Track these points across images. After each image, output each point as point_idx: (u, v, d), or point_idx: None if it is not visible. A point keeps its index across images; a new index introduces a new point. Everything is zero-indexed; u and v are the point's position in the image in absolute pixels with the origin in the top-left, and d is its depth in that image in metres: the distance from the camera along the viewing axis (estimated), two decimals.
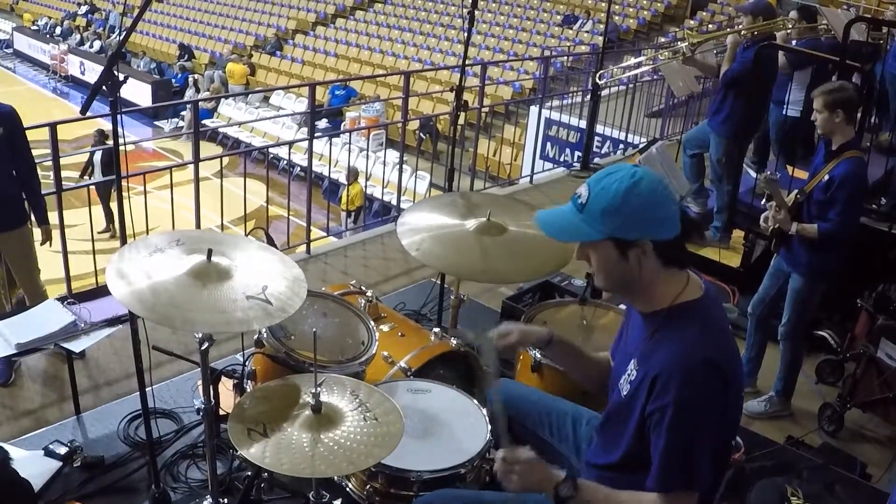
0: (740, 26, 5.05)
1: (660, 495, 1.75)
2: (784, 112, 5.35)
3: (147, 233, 4.57)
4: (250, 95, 16.46)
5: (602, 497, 1.85)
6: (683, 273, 1.83)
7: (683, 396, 1.67)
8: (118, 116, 2.21)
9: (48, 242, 4.14)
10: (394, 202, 7.29)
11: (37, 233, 4.06)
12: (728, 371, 1.72)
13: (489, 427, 2.42)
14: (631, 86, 9.08)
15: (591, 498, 1.84)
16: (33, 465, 2.84)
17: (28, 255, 4.01)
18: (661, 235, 1.75)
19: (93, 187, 5.30)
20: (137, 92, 16.67)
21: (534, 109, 10.19)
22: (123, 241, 2.36)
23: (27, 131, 3.90)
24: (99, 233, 4.69)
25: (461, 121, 3.69)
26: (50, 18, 23.88)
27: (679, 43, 5.43)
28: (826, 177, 3.40)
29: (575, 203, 1.80)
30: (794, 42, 5.29)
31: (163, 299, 2.10)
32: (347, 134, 10.58)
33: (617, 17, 16.22)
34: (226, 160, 7.64)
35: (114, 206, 2.41)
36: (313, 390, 2.11)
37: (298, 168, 9.54)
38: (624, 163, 1.83)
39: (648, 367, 1.76)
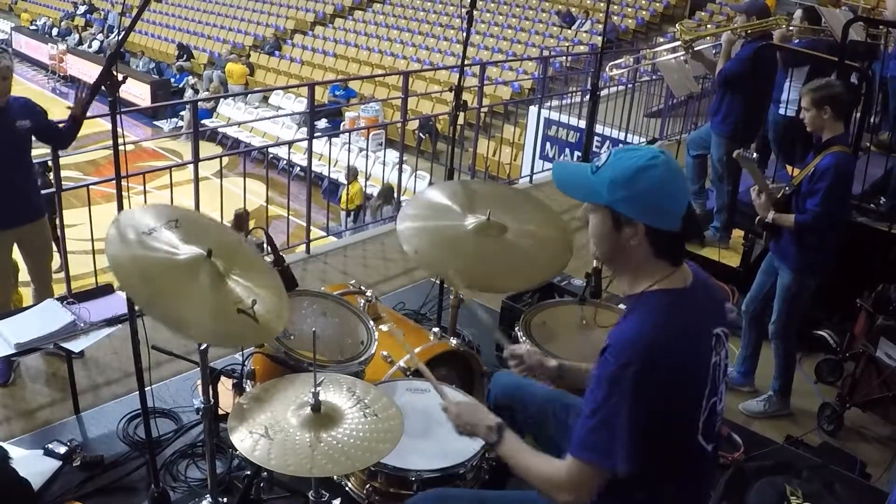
0: (734, 25, 5.06)
1: (570, 459, 1.76)
2: (782, 112, 5.35)
3: None
4: (249, 95, 16.46)
5: (519, 452, 1.90)
6: (674, 267, 1.83)
7: (616, 370, 1.69)
8: (117, 116, 2.21)
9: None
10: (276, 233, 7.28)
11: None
12: (670, 358, 1.70)
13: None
14: (630, 86, 9.09)
15: (510, 450, 1.91)
16: (33, 465, 2.85)
17: (47, 247, 4.06)
18: (657, 224, 1.76)
19: (93, 188, 5.31)
20: (136, 92, 16.68)
21: (533, 109, 10.19)
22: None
23: None
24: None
25: (460, 121, 3.69)
26: (48, 18, 23.88)
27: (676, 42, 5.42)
28: (812, 169, 3.42)
29: (592, 165, 1.83)
30: (794, 41, 5.30)
31: (161, 296, 2.09)
32: (347, 134, 10.58)
33: (616, 18, 16.24)
34: (225, 160, 7.65)
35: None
36: (312, 390, 2.12)
37: (298, 168, 9.54)
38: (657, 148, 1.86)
39: (605, 345, 1.79)
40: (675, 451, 1.78)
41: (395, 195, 8.33)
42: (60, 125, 3.92)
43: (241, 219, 7.26)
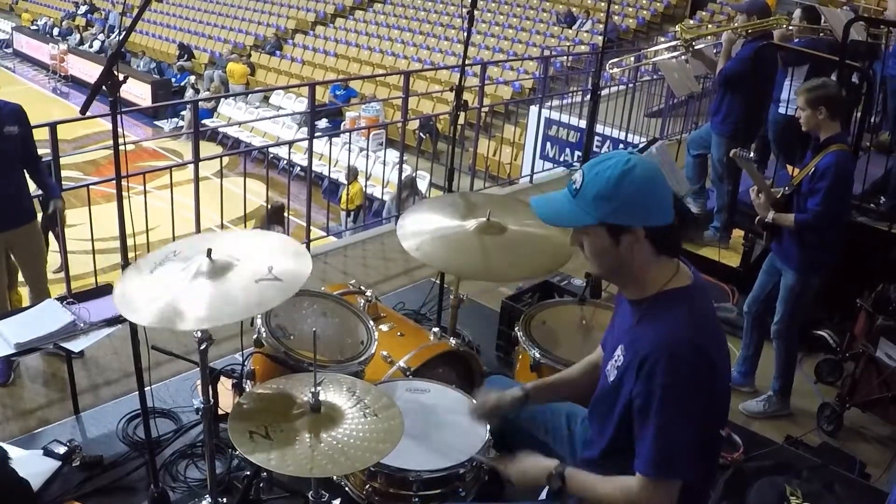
0: (735, 24, 5.06)
1: (644, 479, 1.74)
2: (782, 111, 5.34)
3: (147, 233, 4.57)
4: (250, 95, 16.47)
5: (588, 485, 1.87)
6: (674, 261, 1.84)
7: (670, 380, 1.68)
8: (118, 116, 2.21)
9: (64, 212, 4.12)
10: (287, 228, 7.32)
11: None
12: (714, 356, 1.73)
13: (488, 427, 2.42)
14: (631, 85, 9.08)
15: (578, 488, 1.88)
16: (32, 465, 2.85)
17: (39, 250, 4.04)
18: (653, 222, 1.76)
19: (93, 187, 5.33)
20: (137, 92, 16.69)
21: (533, 109, 10.18)
22: (124, 244, 2.37)
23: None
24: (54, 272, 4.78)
25: (461, 120, 3.69)
26: (49, 18, 23.89)
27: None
28: (812, 169, 3.42)
29: (570, 189, 1.82)
30: (794, 41, 5.29)
31: (178, 308, 2.10)
32: (347, 134, 10.58)
33: (616, 17, 16.24)
34: (226, 160, 7.66)
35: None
36: (312, 390, 2.12)
37: (298, 168, 9.54)
38: (622, 150, 1.89)
39: (635, 352, 1.77)
40: (706, 445, 1.79)
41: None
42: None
43: (279, 210, 7.38)
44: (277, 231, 7.61)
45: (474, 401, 2.33)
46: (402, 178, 8.46)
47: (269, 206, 6.58)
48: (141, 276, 2.25)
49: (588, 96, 4.55)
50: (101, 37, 21.25)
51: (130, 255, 2.41)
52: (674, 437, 1.70)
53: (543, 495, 2.17)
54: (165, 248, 2.40)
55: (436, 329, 3.15)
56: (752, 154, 3.71)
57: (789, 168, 5.15)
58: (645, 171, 1.74)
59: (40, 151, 4.09)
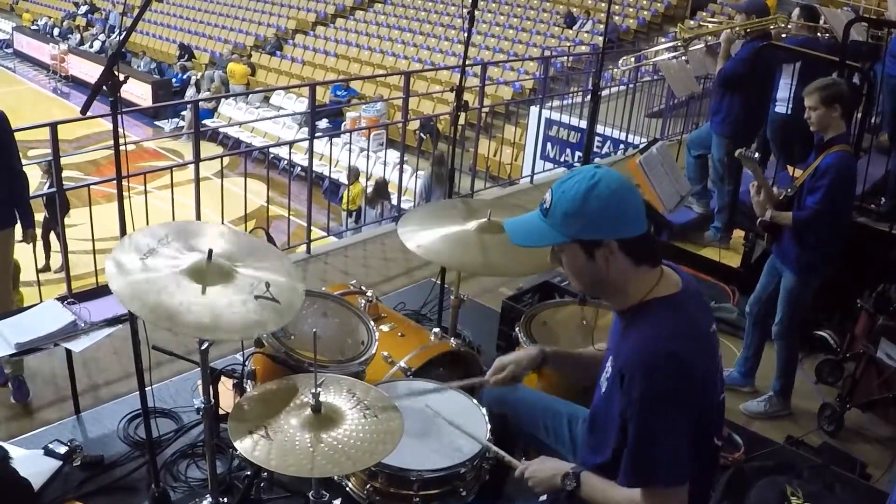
0: (734, 23, 5.05)
1: (642, 492, 1.75)
2: (779, 110, 5.33)
3: None
4: (250, 95, 16.48)
5: (599, 491, 1.88)
6: (657, 270, 1.83)
7: (646, 390, 1.69)
8: (118, 116, 2.21)
9: (33, 245, 4.05)
10: (394, 202, 7.30)
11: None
12: (694, 366, 1.72)
13: (488, 427, 2.41)
14: (631, 86, 9.09)
15: (591, 492, 1.89)
16: (33, 465, 2.85)
17: (3, 260, 3.90)
18: (625, 234, 1.76)
19: (94, 187, 5.33)
20: (138, 92, 16.70)
21: (534, 109, 10.20)
22: None
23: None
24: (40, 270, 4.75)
25: (461, 121, 3.69)
26: (49, 18, 23.90)
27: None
28: (814, 169, 3.43)
29: (541, 208, 1.83)
30: (783, 37, 5.28)
31: (177, 311, 2.07)
32: (348, 134, 10.58)
33: (617, 18, 16.24)
34: (226, 160, 7.65)
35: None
36: (313, 390, 2.12)
37: (299, 168, 9.54)
38: (589, 164, 1.89)
39: (619, 364, 1.78)
40: (698, 452, 1.79)
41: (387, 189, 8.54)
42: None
43: (383, 186, 7.42)
44: (385, 205, 7.68)
45: (492, 368, 2.33)
46: (434, 154, 8.48)
47: (374, 181, 6.53)
48: (131, 260, 2.19)
49: (588, 97, 4.55)
50: (101, 37, 21.27)
51: None
52: (650, 449, 1.71)
53: (544, 497, 2.17)
54: (154, 231, 2.33)
55: (436, 329, 3.14)
56: (756, 155, 3.72)
57: (790, 168, 5.15)
58: (610, 184, 1.74)
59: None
